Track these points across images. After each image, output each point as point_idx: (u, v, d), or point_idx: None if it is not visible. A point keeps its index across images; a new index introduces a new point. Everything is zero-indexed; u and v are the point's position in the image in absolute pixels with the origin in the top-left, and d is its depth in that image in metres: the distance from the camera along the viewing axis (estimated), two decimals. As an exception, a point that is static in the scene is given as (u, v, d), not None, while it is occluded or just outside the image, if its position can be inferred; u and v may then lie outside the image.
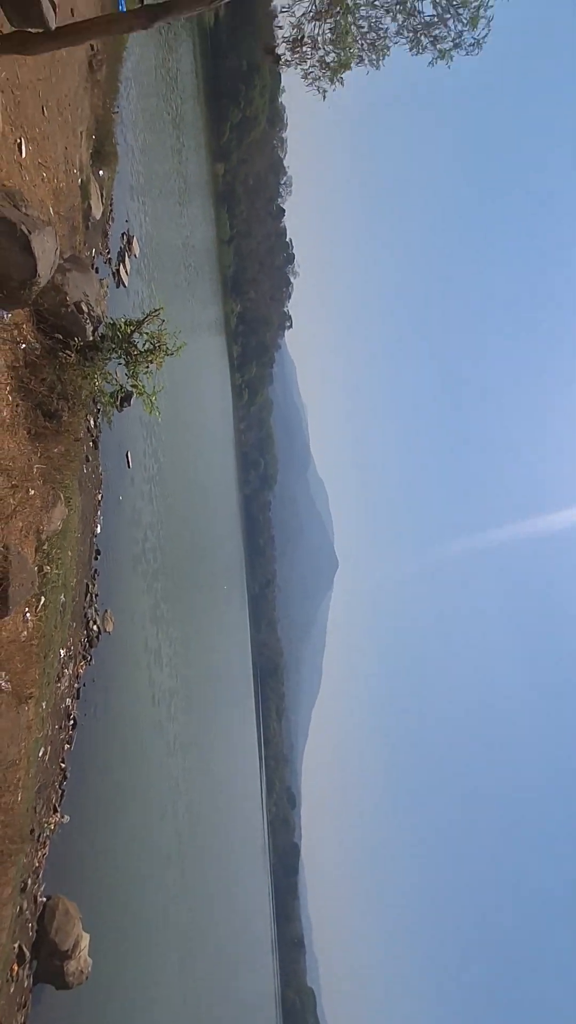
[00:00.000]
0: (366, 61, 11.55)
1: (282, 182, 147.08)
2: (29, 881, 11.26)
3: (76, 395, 9.77)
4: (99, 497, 17.88)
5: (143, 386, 10.82)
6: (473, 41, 10.36)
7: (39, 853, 12.01)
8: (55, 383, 9.23)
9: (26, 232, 7.09)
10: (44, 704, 11.47)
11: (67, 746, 13.87)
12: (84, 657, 15.48)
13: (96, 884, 15.70)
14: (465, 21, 10.15)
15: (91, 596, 16.21)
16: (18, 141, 8.72)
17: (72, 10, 11.29)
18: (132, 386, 10.86)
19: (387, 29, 11.05)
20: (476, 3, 9.84)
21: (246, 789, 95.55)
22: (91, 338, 10.36)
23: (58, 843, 13.10)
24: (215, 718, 54.24)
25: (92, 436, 16.41)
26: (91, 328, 10.27)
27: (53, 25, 6.25)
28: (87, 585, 15.98)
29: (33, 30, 6.49)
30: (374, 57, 11.37)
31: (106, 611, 17.82)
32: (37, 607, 10.26)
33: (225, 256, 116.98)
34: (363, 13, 10.97)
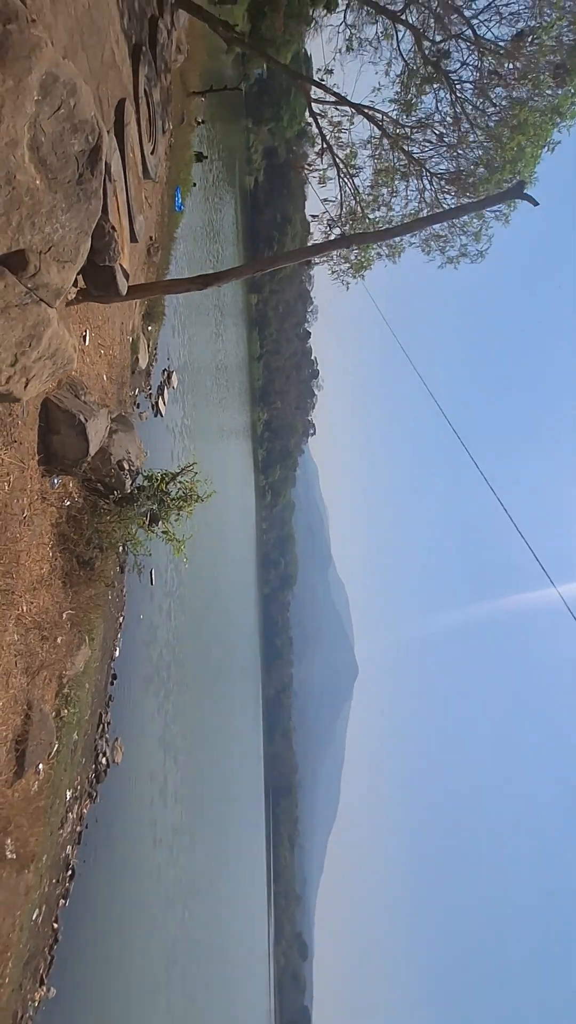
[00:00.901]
0: (384, 257, 13.50)
1: (309, 309, 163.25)
2: (4, 1076, 10.03)
3: (111, 543, 10.43)
4: (120, 620, 18.14)
5: (173, 533, 11.49)
6: (477, 252, 12.12)
7: (19, 1038, 10.79)
8: (93, 536, 9.92)
9: (83, 421, 8.11)
10: (45, 858, 10.93)
11: (62, 901, 12.93)
12: (90, 795, 14.87)
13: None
14: (470, 235, 11.93)
15: (103, 726, 15.90)
16: (84, 333, 10.19)
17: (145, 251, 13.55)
18: (163, 532, 11.54)
19: (408, 173, 12.89)
20: (479, 224, 11.65)
21: (251, 940, 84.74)
22: (129, 491, 11.24)
23: None
24: (220, 856, 49.70)
25: (119, 561, 17.03)
26: (130, 482, 11.18)
27: (124, 291, 7.72)
28: (100, 715, 15.75)
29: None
30: (391, 255, 13.31)
31: (116, 739, 17.35)
32: (50, 755, 10.16)
33: (255, 371, 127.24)
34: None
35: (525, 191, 8.32)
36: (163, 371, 27.26)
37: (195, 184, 32.61)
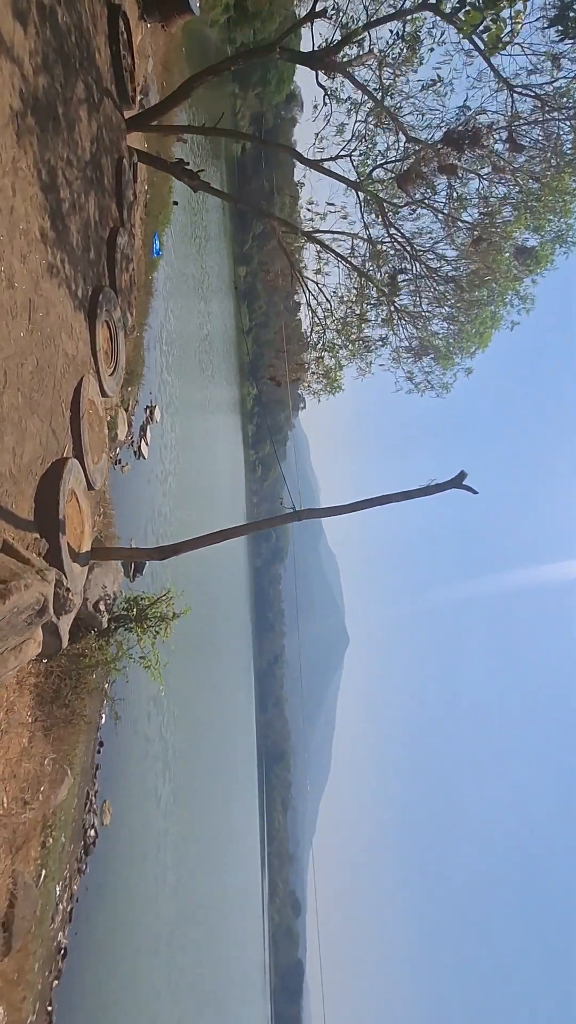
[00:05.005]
0: (356, 371, 13.64)
1: (299, 240, 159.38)
2: None
3: (87, 689, 10.89)
4: (106, 686, 18.67)
5: (149, 661, 11.96)
6: (442, 384, 12.26)
7: None
8: (70, 693, 10.37)
9: (55, 621, 8.45)
10: (37, 965, 11.77)
11: (55, 983, 13.91)
12: (79, 870, 15.72)
13: None
14: (439, 374, 12.05)
15: (90, 802, 16.65)
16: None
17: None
18: (140, 658, 12.00)
19: (372, 349, 13.11)
20: (451, 360, 11.79)
21: (246, 900, 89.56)
22: (105, 625, 11.63)
23: None
24: (215, 825, 52.14)
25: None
26: (106, 618, 11.56)
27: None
28: (87, 792, 16.46)
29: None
30: (362, 373, 13.46)
31: (104, 803, 18.14)
32: (38, 883, 10.86)
33: (244, 345, 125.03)
34: (355, 337, 13.11)
35: (464, 481, 8.56)
36: (145, 408, 26.89)
37: (176, 202, 31.44)
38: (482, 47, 8.85)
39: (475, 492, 8.74)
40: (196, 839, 38.91)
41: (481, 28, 6.19)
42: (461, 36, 5.91)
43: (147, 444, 26.11)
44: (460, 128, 9.97)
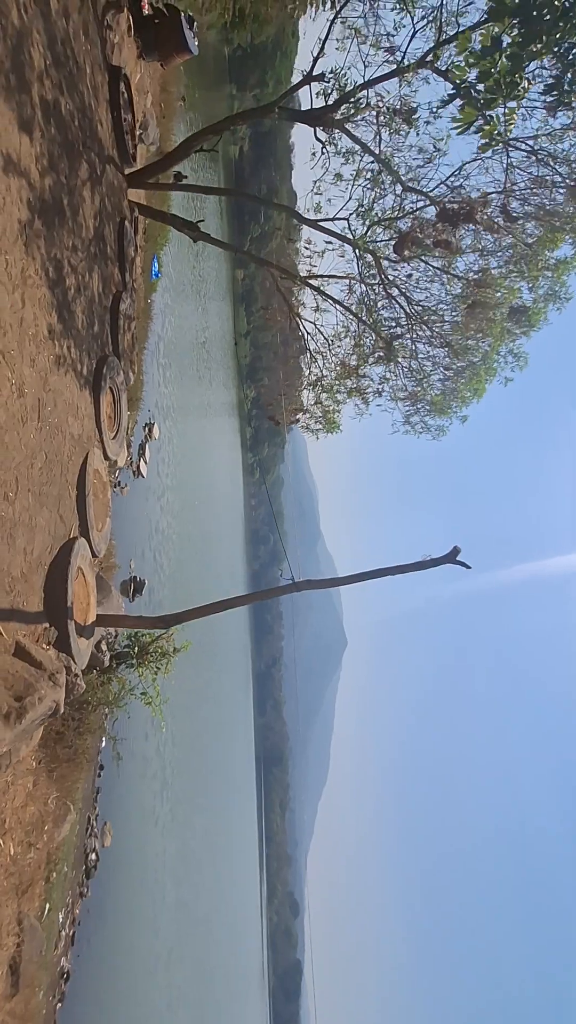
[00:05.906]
0: (354, 411, 13.96)
1: (297, 286, 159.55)
2: None
3: (89, 729, 11.17)
4: (105, 717, 18.94)
5: (150, 697, 12.22)
6: (438, 428, 12.57)
7: None
8: (74, 735, 10.65)
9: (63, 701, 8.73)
10: (41, 993, 12.06)
11: (59, 1005, 14.21)
12: (81, 894, 16.01)
13: None
14: (434, 408, 12.33)
15: (91, 826, 16.93)
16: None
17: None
18: (141, 694, 12.27)
19: (368, 391, 13.43)
20: (450, 401, 12.10)
21: (245, 902, 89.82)
22: (108, 664, 11.90)
23: None
24: (215, 829, 52.45)
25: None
26: (108, 656, 11.83)
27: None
28: (88, 817, 16.75)
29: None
30: (360, 412, 13.78)
31: (105, 824, 18.42)
32: (42, 917, 11.14)
33: (242, 348, 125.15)
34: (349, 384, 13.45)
35: (458, 557, 8.89)
36: (144, 426, 27.13)
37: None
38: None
39: (468, 567, 9.07)
40: (195, 848, 39.35)
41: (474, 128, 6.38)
42: (457, 132, 6.08)
43: (145, 462, 26.37)
44: (454, 205, 10.25)
